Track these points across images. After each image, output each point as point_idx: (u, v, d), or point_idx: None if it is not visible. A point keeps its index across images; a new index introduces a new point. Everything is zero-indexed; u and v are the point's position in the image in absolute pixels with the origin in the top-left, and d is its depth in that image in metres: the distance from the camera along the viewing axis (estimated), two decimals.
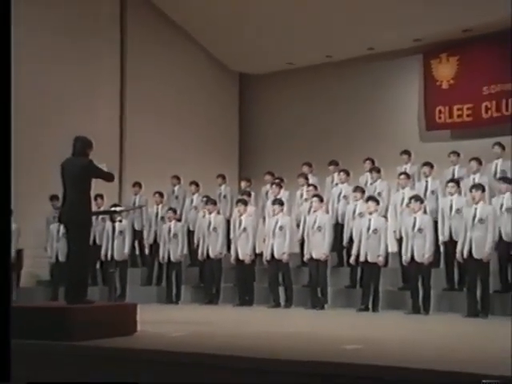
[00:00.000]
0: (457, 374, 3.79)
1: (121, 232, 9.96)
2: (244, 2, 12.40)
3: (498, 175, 8.97)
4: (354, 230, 8.90)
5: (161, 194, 10.85)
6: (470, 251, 7.67)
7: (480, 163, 9.22)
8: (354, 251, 8.61)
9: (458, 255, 7.87)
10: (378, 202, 8.67)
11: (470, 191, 8.05)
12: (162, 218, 10.48)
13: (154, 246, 10.55)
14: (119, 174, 11.92)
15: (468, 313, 7.63)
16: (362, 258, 8.43)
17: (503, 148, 9.48)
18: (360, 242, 8.50)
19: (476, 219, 7.70)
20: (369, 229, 8.42)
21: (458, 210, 8.22)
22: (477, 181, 8.66)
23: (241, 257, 9.33)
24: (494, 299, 7.90)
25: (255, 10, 12.54)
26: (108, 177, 6.28)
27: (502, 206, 8.05)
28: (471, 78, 12.17)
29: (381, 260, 8.36)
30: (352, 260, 8.72)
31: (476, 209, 7.77)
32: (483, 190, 7.96)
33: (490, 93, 12.00)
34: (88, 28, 12.45)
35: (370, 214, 8.52)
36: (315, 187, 9.80)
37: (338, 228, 9.41)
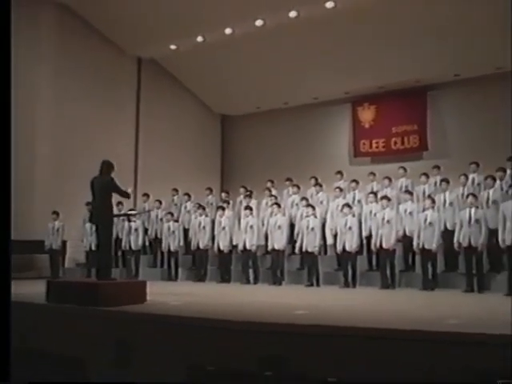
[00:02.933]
0: (379, 329, 3.87)
1: (135, 229, 9.90)
2: (225, 65, 12.47)
3: (403, 189, 9.13)
4: (298, 228, 8.88)
5: (160, 202, 10.76)
6: (380, 243, 7.82)
7: (390, 180, 9.34)
8: (297, 244, 8.65)
9: (372, 246, 8.02)
10: (313, 208, 8.69)
11: (381, 200, 8.22)
12: (161, 219, 10.38)
13: (158, 239, 10.46)
14: (134, 187, 11.90)
15: (382, 286, 7.77)
16: (303, 249, 8.48)
17: (405, 170, 9.68)
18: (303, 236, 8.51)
19: (384, 220, 7.86)
20: (307, 227, 8.46)
21: (376, 214, 8.30)
22: (388, 193, 8.77)
23: (221, 247, 9.34)
24: (400, 276, 8.07)
25: (232, 72, 12.64)
26: (124, 194, 6.17)
27: (405, 210, 8.17)
28: (385, 120, 12.42)
29: (316, 250, 8.37)
30: (297, 250, 8.74)
31: (384, 213, 7.93)
32: (389, 200, 8.14)
33: (397, 131, 12.30)
34: (113, 78, 12.53)
35: (308, 216, 8.57)
36: (275, 197, 9.83)
37: (292, 227, 9.45)
